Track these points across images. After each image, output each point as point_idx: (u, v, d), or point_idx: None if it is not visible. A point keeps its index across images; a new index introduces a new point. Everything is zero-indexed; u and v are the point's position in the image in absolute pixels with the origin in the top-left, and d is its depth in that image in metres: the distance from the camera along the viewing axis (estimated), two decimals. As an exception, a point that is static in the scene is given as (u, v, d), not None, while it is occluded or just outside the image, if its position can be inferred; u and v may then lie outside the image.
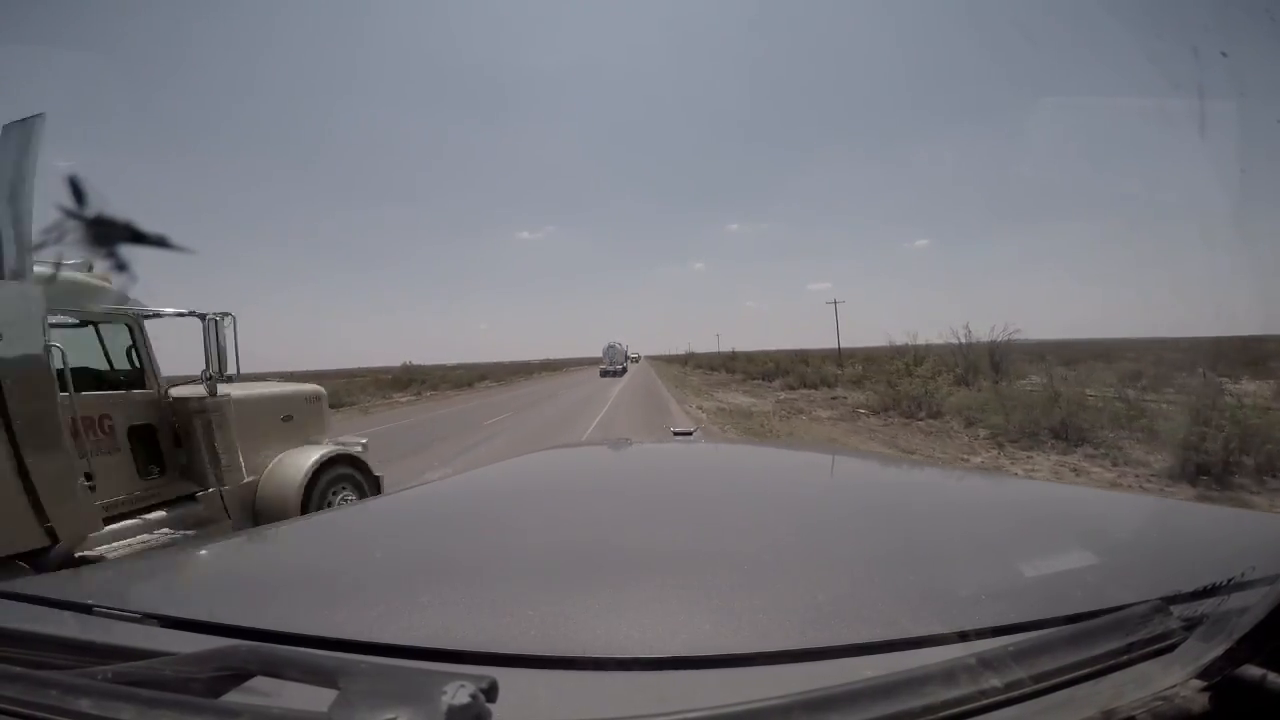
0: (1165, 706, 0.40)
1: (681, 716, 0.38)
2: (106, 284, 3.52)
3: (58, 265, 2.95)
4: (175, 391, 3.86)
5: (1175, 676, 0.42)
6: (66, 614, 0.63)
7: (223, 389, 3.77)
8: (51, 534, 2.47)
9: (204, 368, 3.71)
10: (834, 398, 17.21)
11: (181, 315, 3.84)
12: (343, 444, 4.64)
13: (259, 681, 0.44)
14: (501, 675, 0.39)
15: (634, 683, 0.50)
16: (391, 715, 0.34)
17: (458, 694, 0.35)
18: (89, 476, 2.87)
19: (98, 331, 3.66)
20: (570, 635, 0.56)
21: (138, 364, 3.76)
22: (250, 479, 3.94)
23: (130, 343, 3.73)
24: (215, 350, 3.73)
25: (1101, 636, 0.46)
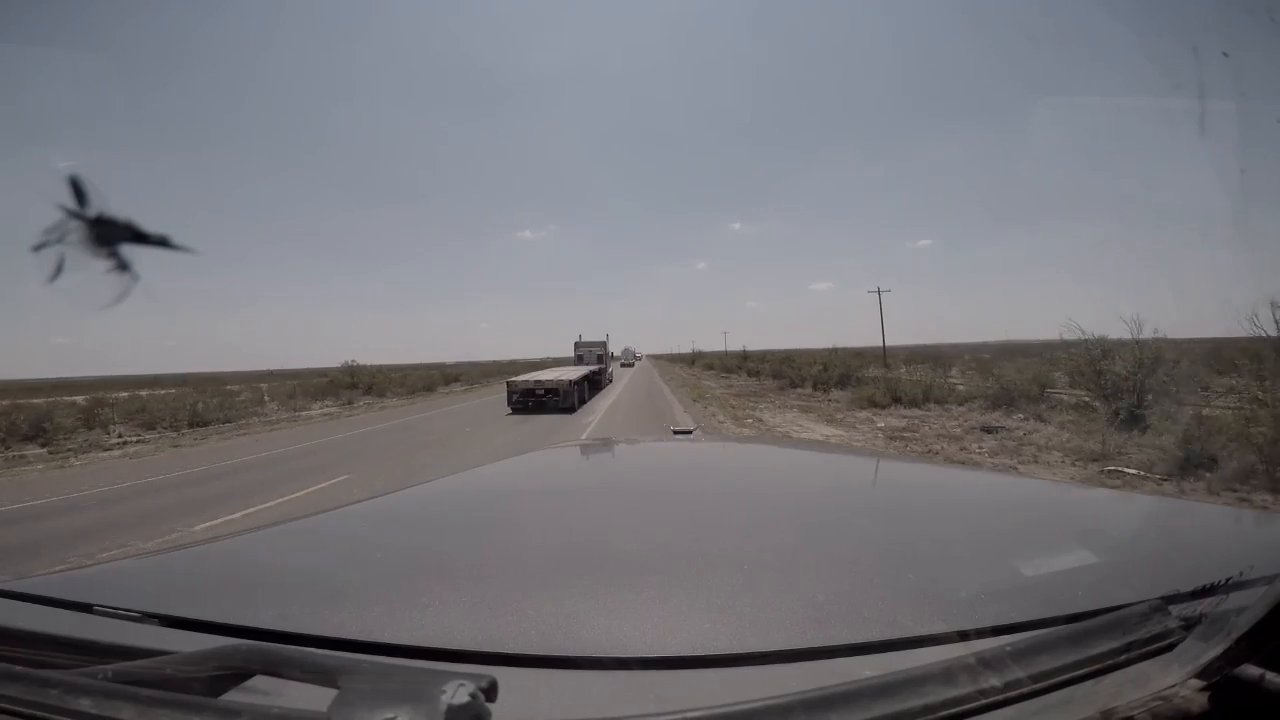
0: (1164, 706, 0.40)
1: (681, 716, 0.38)
2: (606, 339, 28.55)
3: (608, 337, 30.70)
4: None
5: (1174, 676, 0.42)
6: (67, 613, 0.63)
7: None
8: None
9: (610, 351, 30.15)
10: (991, 429, 9.55)
11: (604, 343, 28.59)
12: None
13: (259, 680, 0.44)
14: (501, 675, 0.39)
15: (634, 682, 0.50)
16: (391, 714, 0.34)
17: (457, 693, 0.35)
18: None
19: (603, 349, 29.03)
20: (570, 635, 0.56)
21: (604, 354, 27.27)
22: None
23: (605, 350, 27.79)
24: (608, 347, 28.53)
25: (1100, 636, 0.46)
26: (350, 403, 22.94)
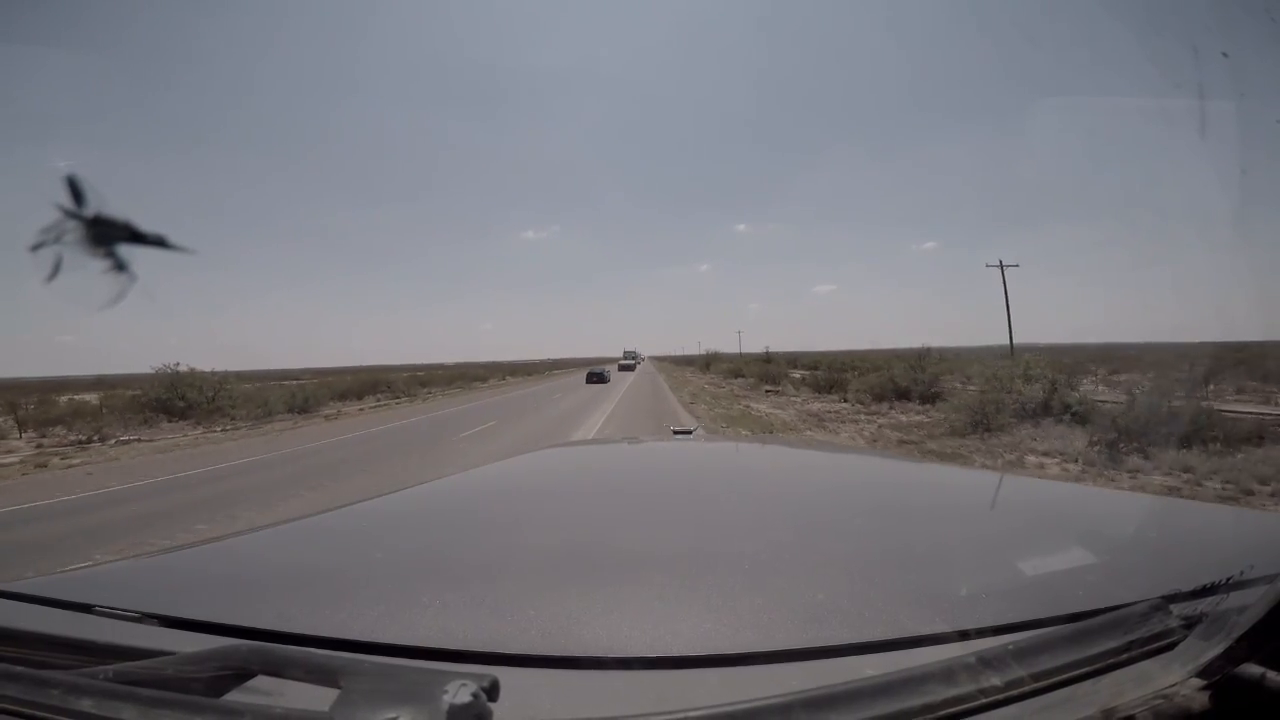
0: (1165, 705, 0.40)
1: (682, 716, 0.38)
2: (636, 349, 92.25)
3: (637, 349, 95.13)
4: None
5: (1175, 675, 0.42)
6: (67, 614, 0.63)
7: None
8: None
9: (636, 354, 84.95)
10: None
11: (636, 350, 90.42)
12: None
13: (260, 681, 0.44)
14: (503, 674, 0.39)
15: (635, 682, 0.50)
16: (393, 714, 0.34)
17: (459, 693, 0.35)
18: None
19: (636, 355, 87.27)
20: (571, 634, 0.56)
21: (636, 355, 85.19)
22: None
23: (638, 358, 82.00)
24: (635, 351, 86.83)
25: (1101, 635, 0.46)
26: (109, 442, 13.30)
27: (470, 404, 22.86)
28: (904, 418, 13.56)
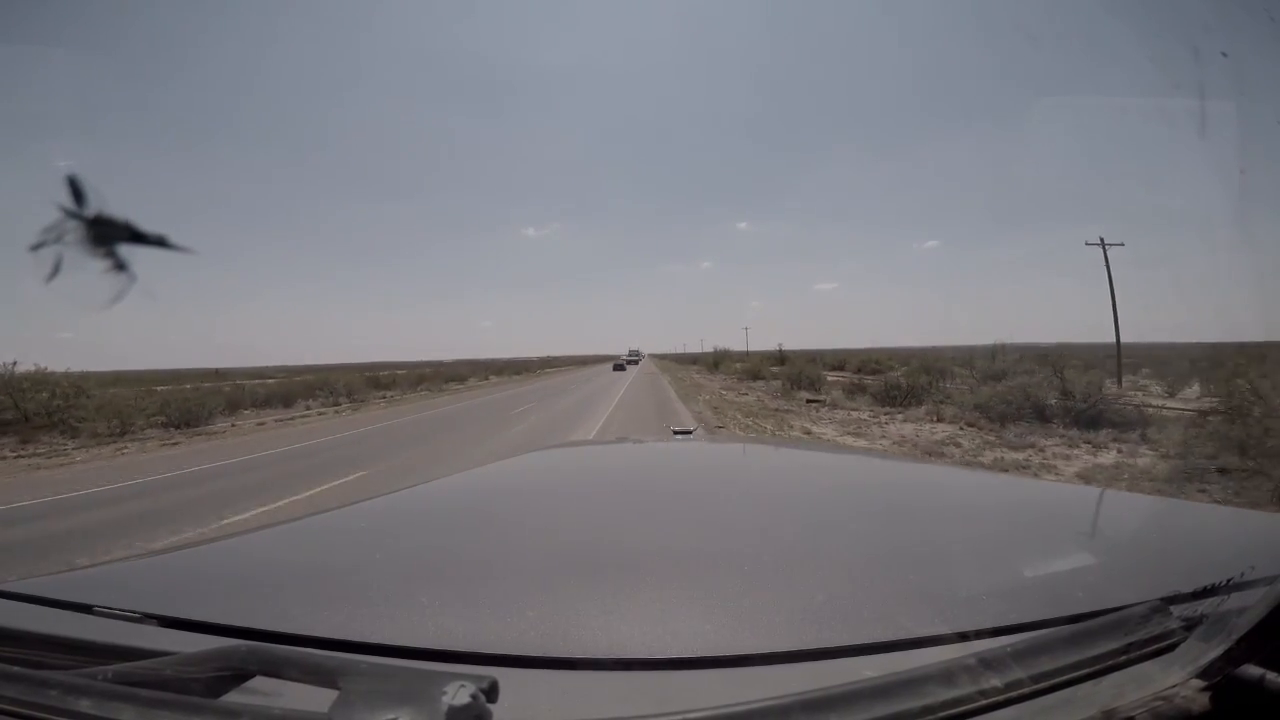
0: (1165, 706, 0.40)
1: (682, 717, 0.38)
2: (639, 348, 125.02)
3: (639, 348, 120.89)
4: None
5: (1175, 676, 0.42)
6: (66, 614, 0.63)
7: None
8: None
9: (638, 353, 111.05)
10: None
11: (639, 349, 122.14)
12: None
13: (259, 681, 0.44)
14: (502, 675, 0.39)
15: (634, 683, 0.50)
16: (392, 715, 0.34)
17: (458, 694, 0.35)
18: None
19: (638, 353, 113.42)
20: (571, 635, 0.56)
21: (639, 352, 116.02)
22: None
23: (640, 356, 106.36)
24: (638, 350, 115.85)
25: (1101, 637, 0.46)
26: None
27: (404, 418, 16.61)
28: (1095, 458, 7.73)
